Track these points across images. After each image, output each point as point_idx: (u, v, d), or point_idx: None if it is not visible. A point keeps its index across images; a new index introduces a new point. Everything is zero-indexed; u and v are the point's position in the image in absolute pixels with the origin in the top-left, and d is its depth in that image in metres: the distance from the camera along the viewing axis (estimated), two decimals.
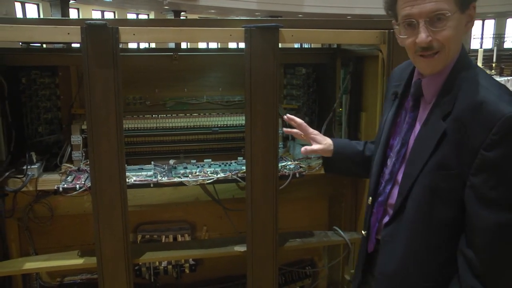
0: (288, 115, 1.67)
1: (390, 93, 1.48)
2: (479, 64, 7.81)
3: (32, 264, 2.20)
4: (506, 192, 1.14)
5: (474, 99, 1.17)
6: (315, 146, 1.63)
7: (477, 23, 23.51)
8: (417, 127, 1.31)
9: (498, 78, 7.44)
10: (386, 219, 1.39)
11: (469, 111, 1.17)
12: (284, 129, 1.77)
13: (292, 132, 1.68)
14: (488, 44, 22.04)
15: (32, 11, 15.92)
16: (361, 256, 1.53)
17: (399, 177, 1.34)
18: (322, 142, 1.65)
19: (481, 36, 23.60)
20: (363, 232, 1.50)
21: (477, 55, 8.47)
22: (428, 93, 1.30)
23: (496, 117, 1.11)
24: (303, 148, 1.64)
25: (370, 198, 1.45)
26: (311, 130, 1.67)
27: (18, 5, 14.39)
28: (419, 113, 1.33)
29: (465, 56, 1.27)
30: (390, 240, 1.34)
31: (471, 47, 22.58)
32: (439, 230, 1.25)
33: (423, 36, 1.19)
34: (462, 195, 1.19)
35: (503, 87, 1.21)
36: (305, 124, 1.66)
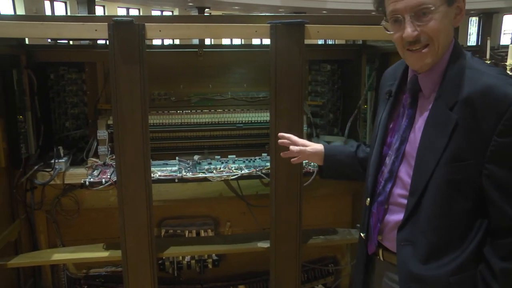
0: (279, 134, 1.68)
1: (383, 94, 1.47)
2: (510, 60, 7.57)
3: (59, 256, 2.26)
4: None
5: (481, 84, 1.16)
6: (304, 148, 1.63)
7: (509, 18, 22.84)
8: (418, 123, 1.29)
9: None
10: (389, 219, 1.37)
11: (478, 96, 1.15)
12: (280, 136, 1.71)
13: (286, 155, 1.67)
14: None
15: (60, 9, 16.23)
16: (361, 258, 1.49)
17: (401, 174, 1.32)
18: (311, 145, 1.65)
19: None
20: (361, 234, 1.46)
21: (507, 51, 8.22)
22: (426, 87, 1.28)
23: (506, 102, 1.11)
24: (291, 147, 1.63)
25: (368, 199, 1.42)
26: (300, 139, 1.66)
27: (47, 3, 14.69)
28: (417, 109, 1.32)
29: (459, 48, 1.26)
30: (407, 244, 1.30)
31: (501, 43, 21.98)
32: (460, 222, 1.23)
33: (409, 30, 1.20)
34: (479, 183, 1.18)
35: (502, 70, 1.22)
36: (293, 136, 1.66)
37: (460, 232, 1.23)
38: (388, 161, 1.37)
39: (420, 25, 1.19)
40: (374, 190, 1.41)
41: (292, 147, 1.62)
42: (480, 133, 1.15)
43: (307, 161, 2.23)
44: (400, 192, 1.33)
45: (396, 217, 1.33)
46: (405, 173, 1.31)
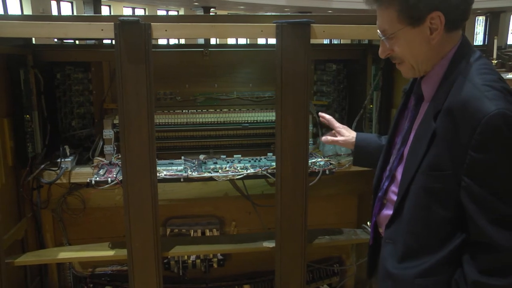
0: (320, 113, 1.83)
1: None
2: None
3: (65, 254, 2.27)
4: (497, 190, 1.12)
5: (460, 95, 1.16)
6: (336, 137, 1.76)
7: None
8: (415, 126, 1.33)
9: None
10: (383, 213, 1.43)
11: (457, 108, 1.15)
12: (321, 116, 1.86)
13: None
14: None
15: (66, 9, 16.31)
16: (369, 248, 1.59)
17: (397, 174, 1.37)
18: (345, 135, 1.75)
19: None
20: (368, 223, 1.57)
21: None
22: (426, 91, 1.30)
23: (479, 116, 1.09)
24: (323, 137, 1.78)
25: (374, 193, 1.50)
26: (337, 124, 1.79)
27: (53, 3, 14.76)
28: (419, 112, 1.35)
29: (464, 51, 1.25)
30: (390, 242, 1.35)
31: (508, 42, 21.85)
32: (438, 230, 1.24)
33: (380, 50, 1.32)
34: (459, 195, 1.18)
35: (494, 79, 1.18)
36: (333, 120, 1.81)
37: (439, 240, 1.24)
38: (391, 160, 1.43)
39: (389, 47, 1.28)
40: (378, 186, 1.47)
41: (323, 138, 1.79)
42: (459, 144, 1.14)
43: (312, 161, 2.24)
44: (394, 190, 1.38)
45: (389, 212, 1.38)
46: (400, 174, 1.34)
